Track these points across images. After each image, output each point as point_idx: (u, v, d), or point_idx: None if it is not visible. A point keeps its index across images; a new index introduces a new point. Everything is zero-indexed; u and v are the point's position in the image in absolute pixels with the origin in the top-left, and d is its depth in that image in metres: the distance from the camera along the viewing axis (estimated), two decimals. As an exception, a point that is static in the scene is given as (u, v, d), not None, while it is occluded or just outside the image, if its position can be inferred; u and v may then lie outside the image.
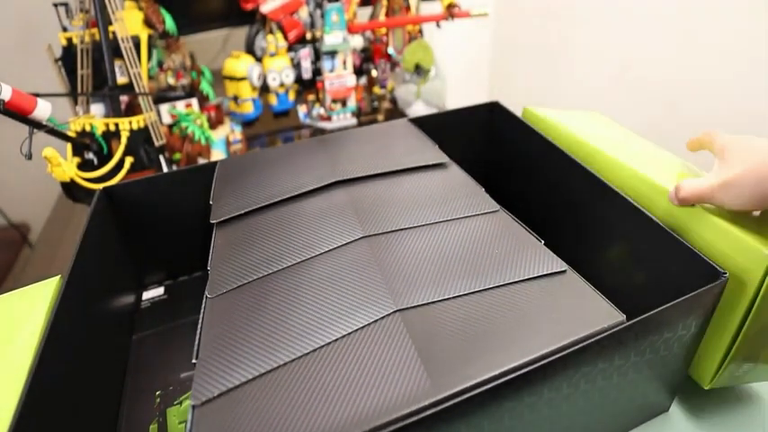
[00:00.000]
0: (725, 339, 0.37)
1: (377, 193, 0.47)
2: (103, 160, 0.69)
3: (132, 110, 0.75)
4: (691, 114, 1.13)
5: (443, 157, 0.51)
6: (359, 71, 1.07)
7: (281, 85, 0.94)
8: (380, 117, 1.06)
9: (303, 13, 0.95)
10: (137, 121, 0.70)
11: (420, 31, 1.11)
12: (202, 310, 0.36)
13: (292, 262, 0.39)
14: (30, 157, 0.52)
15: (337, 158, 0.52)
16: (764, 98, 0.95)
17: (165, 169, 0.75)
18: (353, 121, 0.98)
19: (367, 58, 1.10)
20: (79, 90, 0.72)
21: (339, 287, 0.36)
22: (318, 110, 0.99)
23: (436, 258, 0.38)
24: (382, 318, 0.33)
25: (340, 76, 0.95)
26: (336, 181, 0.48)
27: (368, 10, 1.07)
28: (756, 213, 0.38)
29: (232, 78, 0.91)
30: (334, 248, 0.40)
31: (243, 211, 0.45)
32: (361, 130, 0.58)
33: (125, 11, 0.77)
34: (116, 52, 0.70)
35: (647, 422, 0.41)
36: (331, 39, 0.91)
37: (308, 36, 0.95)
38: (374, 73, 1.09)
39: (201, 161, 0.81)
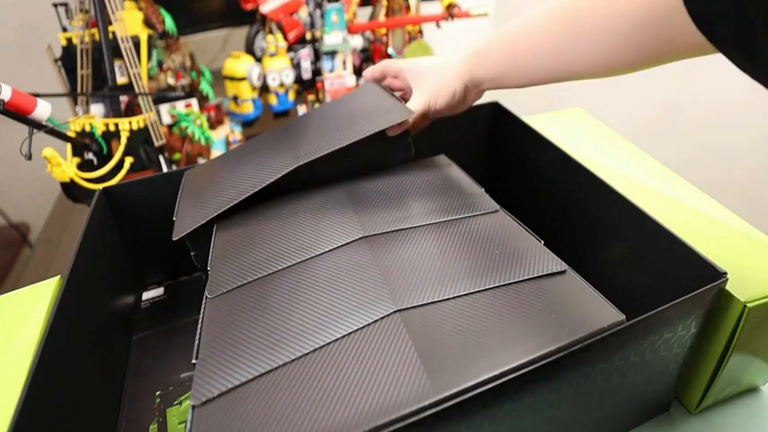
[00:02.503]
0: (708, 371, 0.38)
1: (377, 192, 0.47)
2: (103, 160, 0.69)
3: (132, 110, 0.75)
4: (690, 114, 1.13)
5: (407, 112, 0.47)
6: (359, 71, 1.07)
7: (281, 85, 0.94)
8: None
9: (303, 14, 0.95)
10: (137, 122, 0.70)
11: (420, 31, 1.11)
12: (202, 311, 0.36)
13: (292, 262, 0.39)
14: (29, 157, 0.52)
15: (299, 141, 0.49)
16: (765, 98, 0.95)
17: (165, 169, 0.75)
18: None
19: (367, 59, 1.10)
20: (79, 90, 0.72)
21: (339, 287, 0.36)
22: (318, 110, 0.99)
23: (436, 258, 0.38)
24: (382, 318, 0.33)
25: (340, 77, 0.95)
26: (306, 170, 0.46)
27: (368, 10, 1.07)
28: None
29: (232, 78, 0.91)
30: (334, 248, 0.40)
31: (204, 221, 0.45)
32: (323, 106, 0.56)
33: (125, 11, 0.77)
34: (116, 52, 0.70)
35: (647, 422, 0.41)
36: (331, 39, 0.91)
37: (308, 36, 0.95)
38: (374, 73, 1.09)
39: (201, 161, 0.81)
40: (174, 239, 0.43)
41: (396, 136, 0.50)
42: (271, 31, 0.93)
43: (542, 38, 0.40)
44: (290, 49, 0.94)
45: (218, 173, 0.50)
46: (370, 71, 0.56)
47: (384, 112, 0.48)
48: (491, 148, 0.63)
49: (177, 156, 0.79)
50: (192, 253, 0.47)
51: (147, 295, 0.55)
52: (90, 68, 0.72)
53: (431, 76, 0.49)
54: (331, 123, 0.50)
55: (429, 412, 0.26)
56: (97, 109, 0.74)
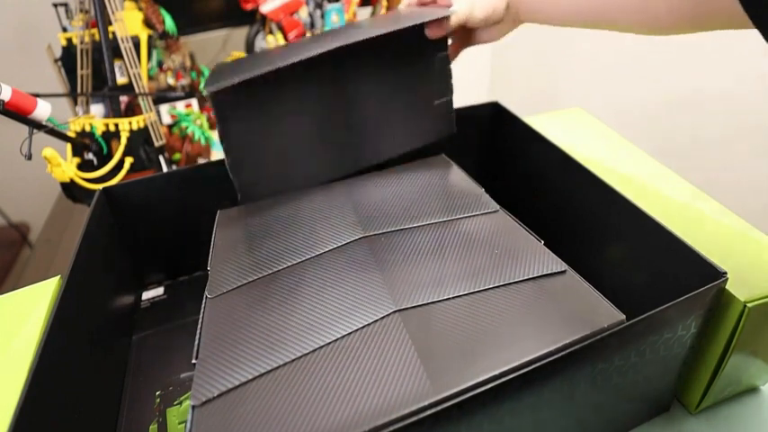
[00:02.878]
0: (708, 371, 0.38)
1: (376, 192, 0.47)
2: (103, 161, 0.69)
3: (132, 110, 0.75)
4: (690, 114, 1.13)
5: (445, 10, 0.48)
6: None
7: (281, 85, 0.94)
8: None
9: (303, 14, 0.95)
10: (137, 122, 0.70)
11: (420, 32, 1.11)
12: (202, 310, 0.36)
13: (292, 262, 0.39)
14: (29, 157, 0.52)
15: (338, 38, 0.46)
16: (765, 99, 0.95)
17: (165, 169, 0.75)
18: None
19: (367, 59, 1.09)
20: (79, 90, 0.72)
21: (339, 287, 0.36)
22: (318, 110, 0.99)
23: (436, 258, 0.38)
24: (382, 318, 0.33)
25: (340, 77, 0.95)
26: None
27: (368, 10, 1.07)
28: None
29: (232, 78, 0.91)
30: (334, 248, 0.40)
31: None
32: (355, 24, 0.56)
33: (125, 11, 0.77)
34: (116, 52, 0.70)
35: (647, 422, 0.41)
36: (331, 39, 0.91)
37: (308, 36, 0.95)
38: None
39: (201, 161, 0.81)
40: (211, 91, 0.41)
41: (438, 108, 0.51)
42: (271, 32, 0.93)
43: None
44: (290, 49, 0.94)
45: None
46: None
47: (424, 13, 0.48)
48: (491, 148, 0.63)
49: (177, 156, 0.79)
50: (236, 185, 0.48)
51: (147, 295, 0.55)
52: (90, 68, 0.72)
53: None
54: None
55: (429, 412, 0.26)
56: (97, 109, 0.74)
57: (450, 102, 0.54)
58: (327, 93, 0.49)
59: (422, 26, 0.49)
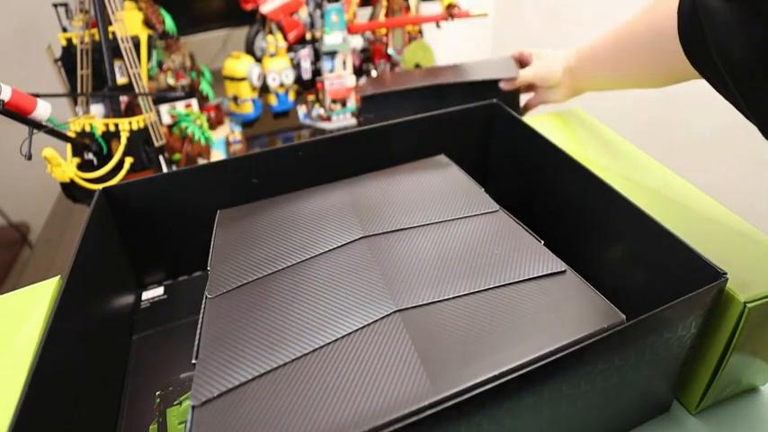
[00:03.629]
0: (708, 371, 0.38)
1: (376, 192, 0.47)
2: (103, 161, 0.69)
3: (132, 110, 0.75)
4: (690, 114, 1.13)
5: (514, 71, 0.66)
6: (359, 71, 1.07)
7: (281, 85, 0.94)
8: (380, 117, 1.06)
9: (303, 14, 0.95)
10: (136, 122, 0.70)
11: (420, 32, 1.11)
12: (202, 310, 0.36)
13: (292, 262, 0.39)
14: (29, 157, 0.52)
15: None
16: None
17: (165, 170, 0.75)
18: (353, 121, 0.98)
19: (367, 59, 1.10)
20: (79, 90, 0.72)
21: (339, 287, 0.36)
22: (318, 110, 0.99)
23: (436, 259, 0.38)
24: (382, 318, 0.33)
25: (340, 77, 0.95)
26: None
27: (368, 10, 1.07)
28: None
29: (232, 79, 0.91)
30: (334, 248, 0.40)
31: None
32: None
33: (125, 11, 0.77)
34: (116, 52, 0.70)
35: (647, 422, 0.41)
36: (331, 39, 0.91)
37: (308, 36, 0.95)
38: (374, 73, 1.09)
39: (201, 161, 0.81)
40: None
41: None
42: (271, 32, 0.93)
43: (606, 49, 0.56)
44: (290, 49, 0.94)
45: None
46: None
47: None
48: (491, 148, 0.63)
49: (177, 156, 0.79)
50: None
51: (146, 295, 0.55)
52: (90, 69, 0.72)
53: (545, 56, 0.71)
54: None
55: (429, 412, 0.26)
56: (97, 109, 0.74)
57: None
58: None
59: None
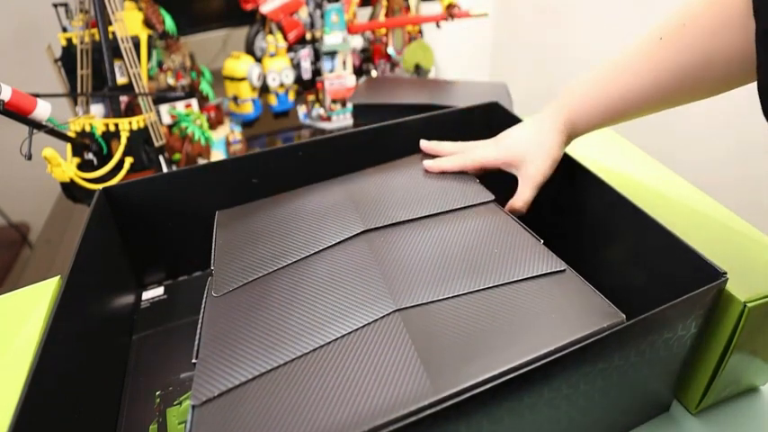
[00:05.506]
0: (708, 370, 0.38)
1: (373, 186, 0.48)
2: (103, 160, 0.69)
3: (132, 110, 0.75)
4: (690, 114, 1.13)
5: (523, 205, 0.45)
6: (359, 71, 1.07)
7: (281, 85, 0.94)
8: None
9: (303, 14, 0.95)
10: (136, 122, 0.71)
11: (420, 32, 1.11)
12: (202, 310, 0.36)
13: (296, 258, 0.40)
14: (29, 157, 0.52)
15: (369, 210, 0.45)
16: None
17: (165, 169, 0.75)
18: (353, 121, 0.98)
19: (367, 59, 1.10)
20: (79, 90, 0.72)
21: (339, 287, 0.36)
22: (318, 110, 0.99)
23: (436, 258, 0.38)
24: (382, 317, 0.33)
25: (340, 77, 0.95)
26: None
27: (368, 10, 1.07)
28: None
29: (232, 79, 0.91)
30: (335, 245, 0.40)
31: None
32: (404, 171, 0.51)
33: (125, 11, 0.77)
34: (116, 52, 0.70)
35: (647, 422, 0.41)
36: (331, 39, 0.91)
37: (308, 36, 0.95)
38: (374, 73, 1.09)
39: (201, 161, 0.81)
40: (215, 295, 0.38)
41: None
42: (271, 32, 0.93)
43: (650, 86, 0.40)
44: (290, 49, 0.94)
45: (266, 226, 0.45)
46: (467, 167, 0.49)
47: (461, 194, 0.46)
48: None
49: (177, 156, 0.79)
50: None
51: (146, 295, 0.55)
52: (90, 68, 0.72)
53: (534, 159, 0.45)
54: (398, 194, 0.47)
55: (429, 412, 0.26)
56: (97, 109, 0.74)
57: None
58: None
59: None
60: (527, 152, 0.46)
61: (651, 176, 0.51)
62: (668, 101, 0.41)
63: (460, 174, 0.49)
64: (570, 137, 0.46)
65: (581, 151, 0.50)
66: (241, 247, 0.42)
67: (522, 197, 0.45)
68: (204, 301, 0.37)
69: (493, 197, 0.44)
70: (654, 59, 0.40)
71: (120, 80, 0.73)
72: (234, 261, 0.41)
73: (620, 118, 0.44)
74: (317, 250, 0.40)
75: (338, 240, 0.41)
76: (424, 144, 0.53)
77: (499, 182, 0.48)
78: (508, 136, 0.48)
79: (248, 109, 0.94)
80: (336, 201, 0.46)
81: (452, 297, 0.34)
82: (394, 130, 0.57)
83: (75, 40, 0.71)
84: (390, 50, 1.07)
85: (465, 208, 0.43)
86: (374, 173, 0.51)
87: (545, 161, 0.45)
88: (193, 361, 0.32)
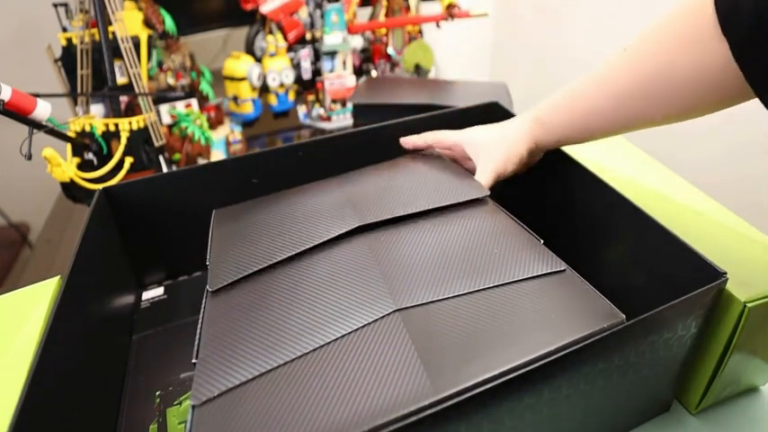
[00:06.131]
0: (708, 371, 0.38)
1: (369, 183, 0.48)
2: (103, 160, 0.69)
3: (132, 110, 0.75)
4: (690, 114, 1.13)
5: (481, 191, 0.45)
6: (359, 71, 1.07)
7: (281, 85, 0.94)
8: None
9: (303, 14, 0.95)
10: (136, 122, 0.71)
11: (420, 32, 1.11)
12: (203, 309, 0.36)
13: (292, 252, 0.39)
14: (29, 157, 0.52)
15: (361, 204, 0.46)
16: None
17: (165, 169, 0.75)
18: (353, 121, 0.98)
19: (367, 59, 1.10)
20: (79, 90, 0.72)
21: (339, 287, 0.36)
22: (318, 110, 0.99)
23: (436, 258, 0.38)
24: (382, 317, 0.33)
25: (340, 77, 0.95)
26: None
27: (368, 10, 1.07)
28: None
29: (232, 79, 0.91)
30: (335, 245, 0.40)
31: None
32: (379, 170, 0.52)
33: (125, 11, 0.77)
34: (116, 52, 0.70)
35: (647, 422, 0.41)
36: (331, 39, 0.91)
37: (308, 36, 0.95)
38: (374, 73, 1.09)
39: (201, 161, 0.81)
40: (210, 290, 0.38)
41: None
42: (271, 32, 0.93)
43: (610, 97, 0.40)
44: (290, 49, 0.94)
45: (264, 222, 0.45)
46: (414, 140, 0.54)
47: (457, 189, 0.46)
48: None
49: (177, 156, 0.79)
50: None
51: (146, 295, 0.55)
52: (90, 68, 0.72)
53: (496, 147, 0.47)
54: (395, 190, 0.47)
55: (428, 412, 0.26)
56: (97, 109, 0.74)
57: None
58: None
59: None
60: (487, 143, 0.48)
61: (651, 176, 0.51)
62: (631, 117, 0.40)
63: (455, 170, 0.49)
64: (537, 144, 0.48)
65: (581, 151, 0.50)
66: (237, 243, 0.42)
67: (480, 177, 0.47)
68: (204, 301, 0.37)
69: (487, 193, 0.45)
70: (615, 70, 0.40)
71: (120, 80, 0.73)
72: (230, 256, 0.41)
73: (586, 132, 0.44)
74: (314, 244, 0.40)
75: (335, 235, 0.40)
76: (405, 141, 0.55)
77: (499, 185, 0.48)
78: (475, 128, 0.51)
79: (248, 109, 0.94)
80: (333, 197, 0.46)
81: (452, 297, 0.34)
82: (394, 130, 0.57)
83: (75, 40, 0.71)
84: (390, 50, 1.07)
85: (461, 204, 0.44)
86: (371, 171, 0.51)
87: (503, 153, 0.47)
88: (193, 361, 0.32)
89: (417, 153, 0.54)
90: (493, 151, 0.48)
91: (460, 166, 0.51)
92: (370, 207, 0.44)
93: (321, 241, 0.40)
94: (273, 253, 0.40)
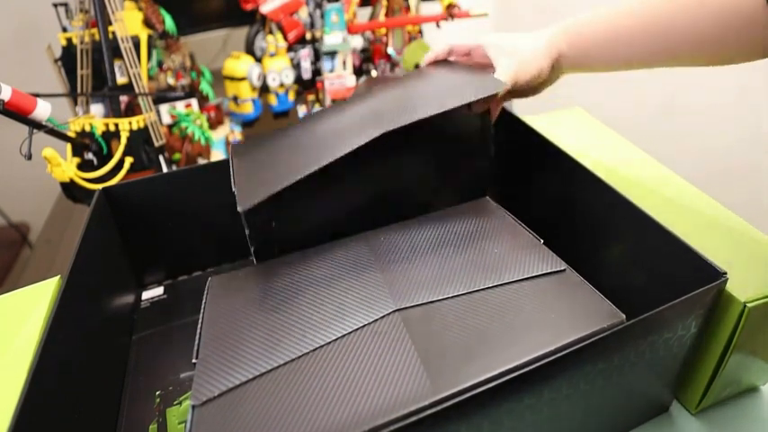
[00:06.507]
0: (708, 370, 0.38)
1: (391, 94, 0.47)
2: (103, 160, 0.69)
3: (132, 110, 0.75)
4: (690, 114, 1.13)
5: (498, 83, 0.45)
6: (359, 71, 1.07)
7: (281, 85, 0.94)
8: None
9: (303, 14, 0.95)
10: (136, 122, 0.70)
11: (420, 32, 1.11)
12: (202, 310, 0.36)
13: (316, 167, 0.37)
14: (29, 157, 0.52)
15: (381, 110, 0.44)
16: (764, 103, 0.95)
17: (165, 169, 0.75)
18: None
19: (367, 59, 1.10)
20: (79, 90, 0.72)
21: (339, 287, 0.36)
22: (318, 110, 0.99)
23: (435, 258, 0.38)
24: (382, 317, 0.33)
25: (340, 77, 0.95)
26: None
27: (368, 10, 1.07)
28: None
29: (232, 78, 0.91)
30: (334, 242, 0.40)
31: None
32: (391, 81, 0.53)
33: (125, 11, 0.77)
34: (116, 52, 0.70)
35: (647, 422, 0.41)
36: (331, 39, 0.91)
37: (308, 36, 0.95)
38: (374, 73, 1.09)
39: (201, 161, 0.81)
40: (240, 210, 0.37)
41: (476, 134, 0.50)
42: (271, 32, 0.93)
43: (646, 17, 0.41)
44: (290, 49, 0.94)
45: (283, 141, 0.44)
46: (434, 53, 0.55)
47: (472, 84, 0.45)
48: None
49: (177, 156, 0.79)
50: (247, 231, 0.42)
51: (146, 295, 0.55)
52: (90, 68, 0.72)
53: (520, 50, 0.47)
54: (412, 94, 0.46)
55: (429, 412, 0.26)
56: (97, 109, 0.74)
57: (490, 161, 0.52)
58: (366, 168, 0.45)
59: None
60: (509, 44, 0.48)
61: (651, 176, 0.51)
62: (657, 50, 0.41)
63: (476, 69, 0.49)
64: (560, 54, 0.47)
65: (581, 150, 0.50)
66: (260, 168, 0.40)
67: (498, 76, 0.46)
68: (204, 301, 0.37)
69: (508, 85, 0.45)
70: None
71: (120, 80, 0.73)
72: (255, 178, 0.38)
73: (607, 56, 0.44)
74: (335, 158, 0.38)
75: (357, 147, 0.38)
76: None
77: (500, 185, 0.48)
78: (494, 33, 0.51)
79: (248, 109, 0.93)
80: (354, 112, 0.45)
81: (452, 297, 0.34)
82: (393, 129, 0.57)
83: (75, 40, 0.71)
84: (390, 50, 1.07)
85: (467, 215, 0.43)
86: (389, 86, 0.50)
87: (526, 53, 0.46)
88: (193, 361, 0.32)
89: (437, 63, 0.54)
90: (516, 54, 0.46)
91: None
92: (392, 114, 0.41)
93: (344, 153, 0.37)
94: (298, 169, 0.37)
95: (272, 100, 0.96)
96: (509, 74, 0.46)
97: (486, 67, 0.50)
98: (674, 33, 0.39)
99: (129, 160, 0.70)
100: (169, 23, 0.83)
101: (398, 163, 0.46)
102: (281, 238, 0.42)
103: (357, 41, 1.05)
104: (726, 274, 0.34)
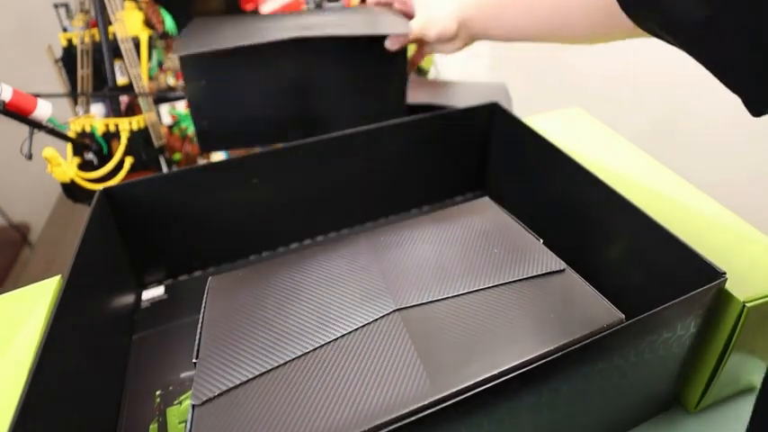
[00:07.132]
0: (707, 370, 0.38)
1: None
2: (103, 161, 0.69)
3: (132, 110, 0.75)
4: (690, 113, 1.13)
5: (406, 27, 0.58)
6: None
7: (281, 85, 0.94)
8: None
9: (303, 14, 0.95)
10: (137, 122, 0.71)
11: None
12: (202, 310, 0.36)
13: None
14: (30, 157, 0.52)
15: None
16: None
17: (165, 170, 0.75)
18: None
19: (367, 59, 1.09)
20: (79, 90, 0.72)
21: (339, 286, 0.36)
22: (318, 110, 0.99)
23: (435, 257, 0.38)
24: (382, 317, 0.33)
25: (340, 77, 0.95)
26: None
27: (368, 10, 1.07)
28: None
29: (232, 79, 0.91)
30: (334, 242, 0.40)
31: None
32: (320, 13, 0.69)
33: (125, 11, 0.77)
34: (116, 53, 0.70)
35: (646, 422, 0.41)
36: (331, 39, 0.92)
37: (308, 36, 0.95)
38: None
39: (201, 161, 0.81)
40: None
41: (392, 80, 0.61)
42: (271, 32, 0.93)
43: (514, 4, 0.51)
44: (289, 49, 0.94)
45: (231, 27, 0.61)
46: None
47: (386, 23, 0.59)
48: (491, 148, 0.63)
49: (177, 156, 0.79)
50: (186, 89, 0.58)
51: (146, 295, 0.55)
52: (90, 69, 0.72)
53: (432, 7, 0.58)
54: (336, 21, 0.59)
55: (428, 412, 0.26)
56: (97, 109, 0.74)
57: (403, 94, 0.64)
58: (290, 66, 0.59)
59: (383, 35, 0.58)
60: (424, 3, 0.62)
61: (651, 176, 0.51)
62: (538, 21, 0.50)
63: (389, 12, 0.63)
64: (464, 17, 0.58)
65: (581, 150, 0.50)
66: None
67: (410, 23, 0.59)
68: (204, 301, 0.37)
69: (409, 30, 0.56)
70: None
71: (121, 80, 0.73)
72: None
73: (506, 27, 0.55)
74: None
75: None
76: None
77: (499, 186, 0.48)
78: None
79: (248, 109, 0.93)
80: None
81: (452, 297, 0.34)
82: (394, 129, 0.57)
83: (75, 41, 0.71)
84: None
85: (467, 215, 0.43)
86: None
87: (435, 15, 0.58)
88: (193, 361, 0.32)
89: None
90: (427, 9, 0.60)
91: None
92: (317, 29, 0.56)
93: (269, 41, 0.54)
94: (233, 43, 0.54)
95: (272, 100, 0.95)
96: (418, 24, 0.59)
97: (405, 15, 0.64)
98: (544, 8, 0.46)
99: (129, 160, 0.70)
100: (169, 23, 0.83)
101: (312, 63, 0.60)
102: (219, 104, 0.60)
103: (357, 41, 1.04)
104: (725, 273, 0.34)
